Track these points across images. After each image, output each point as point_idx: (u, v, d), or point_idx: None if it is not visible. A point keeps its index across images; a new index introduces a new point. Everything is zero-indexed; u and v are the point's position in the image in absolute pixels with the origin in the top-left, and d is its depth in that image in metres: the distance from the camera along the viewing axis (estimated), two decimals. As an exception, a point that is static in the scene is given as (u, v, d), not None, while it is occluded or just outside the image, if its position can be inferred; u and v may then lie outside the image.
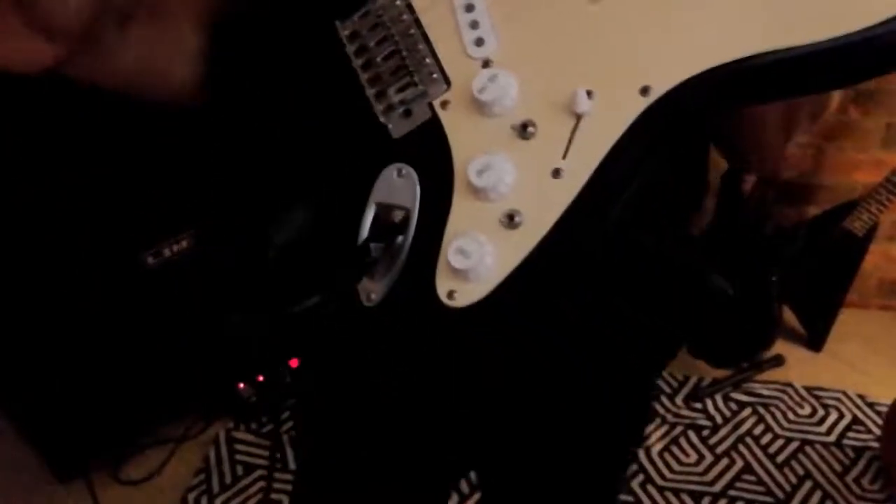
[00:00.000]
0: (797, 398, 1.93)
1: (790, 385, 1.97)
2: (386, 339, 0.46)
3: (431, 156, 0.42)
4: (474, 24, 0.42)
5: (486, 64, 0.42)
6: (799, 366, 2.03)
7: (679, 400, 1.91)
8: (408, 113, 0.44)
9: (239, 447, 1.73)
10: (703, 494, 1.66)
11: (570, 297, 0.49)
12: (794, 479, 1.70)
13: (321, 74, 0.46)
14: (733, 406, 1.90)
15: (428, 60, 0.43)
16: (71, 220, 1.36)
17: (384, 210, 0.43)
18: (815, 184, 2.08)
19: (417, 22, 0.44)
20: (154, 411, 1.71)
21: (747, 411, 1.89)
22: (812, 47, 0.32)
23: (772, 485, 1.69)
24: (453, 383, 0.55)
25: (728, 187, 1.86)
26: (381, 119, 0.45)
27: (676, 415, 1.87)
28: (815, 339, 2.08)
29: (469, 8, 0.42)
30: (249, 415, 1.79)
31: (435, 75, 0.43)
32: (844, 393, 1.94)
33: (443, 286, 0.40)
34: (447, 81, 0.43)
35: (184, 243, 1.56)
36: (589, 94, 0.38)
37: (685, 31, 0.37)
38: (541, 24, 0.41)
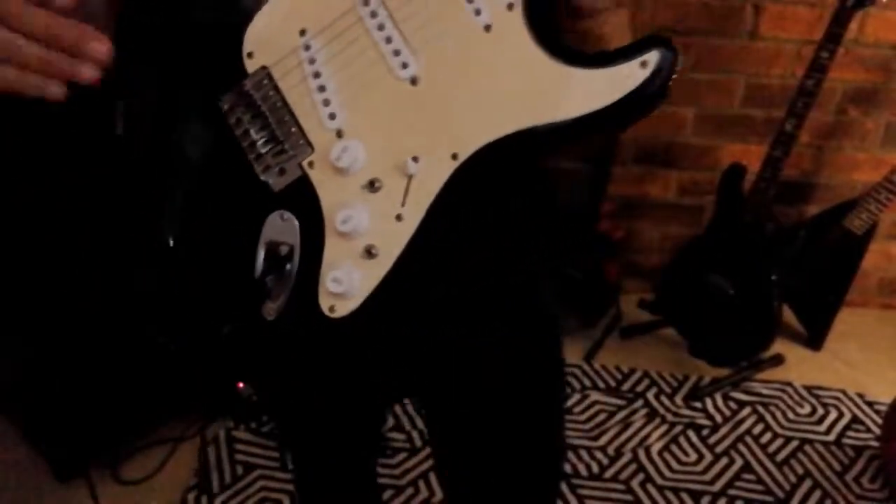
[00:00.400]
0: (797, 397, 1.93)
1: (790, 384, 1.97)
2: (287, 345, 0.58)
3: (306, 204, 0.55)
4: (326, 102, 0.54)
5: (339, 133, 0.54)
6: (798, 365, 2.04)
7: (678, 399, 1.91)
8: (282, 171, 0.55)
9: (238, 447, 1.73)
10: (702, 493, 1.66)
11: (422, 300, 0.66)
12: (793, 479, 1.71)
13: (208, 140, 0.57)
14: (733, 405, 1.90)
15: (294, 130, 0.55)
16: (71, 221, 1.37)
17: (273, 246, 0.55)
18: (814, 183, 2.09)
19: (283, 99, 0.55)
20: (154, 411, 1.71)
21: (747, 410, 1.89)
22: (561, 122, 0.49)
23: (771, 484, 1.69)
24: (348, 370, 0.74)
25: (728, 186, 1.86)
26: (262, 177, 0.56)
27: (676, 414, 1.87)
28: (814, 339, 2.08)
29: (321, 89, 0.54)
30: (249, 415, 1.79)
31: (301, 141, 0.55)
32: (844, 392, 1.95)
33: (324, 303, 0.54)
34: (311, 146, 0.54)
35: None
36: (416, 159, 0.52)
37: (480, 112, 0.50)
38: (378, 102, 0.53)
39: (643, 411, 1.88)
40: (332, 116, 0.54)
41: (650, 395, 1.92)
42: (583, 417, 1.84)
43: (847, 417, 1.87)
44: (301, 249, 0.55)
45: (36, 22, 0.46)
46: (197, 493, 1.62)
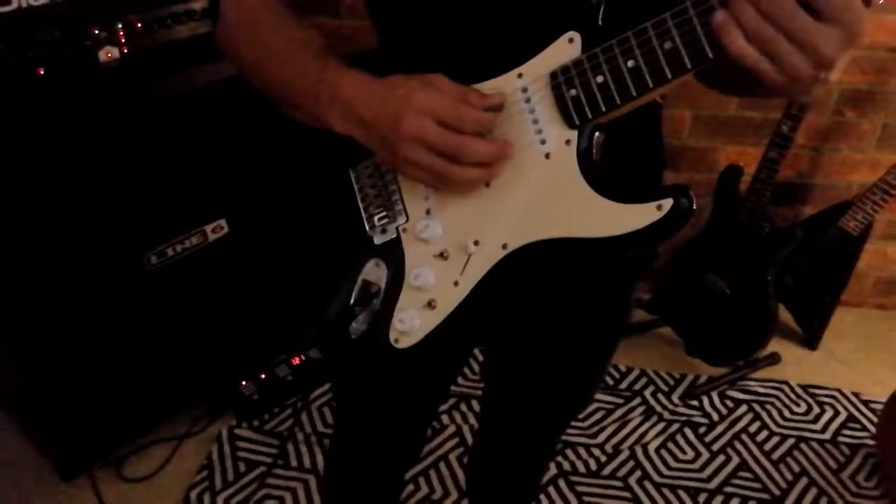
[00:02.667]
0: (793, 396, 1.95)
1: (786, 383, 1.99)
2: (361, 359, 0.79)
3: (395, 258, 0.72)
4: (425, 186, 0.69)
5: (428, 211, 0.70)
6: (795, 364, 2.05)
7: (675, 397, 1.93)
8: (384, 231, 0.73)
9: (241, 444, 1.74)
10: (699, 491, 1.68)
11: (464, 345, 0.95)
12: (789, 476, 1.72)
13: (335, 202, 0.77)
14: (729, 404, 1.92)
15: (397, 201, 0.71)
16: (75, 220, 1.38)
17: (367, 283, 0.74)
18: (811, 184, 2.10)
19: (395, 177, 0.71)
20: (156, 409, 1.72)
21: (743, 409, 1.91)
22: (588, 238, 0.63)
23: (767, 481, 1.71)
24: (406, 384, 0.92)
25: (725, 187, 1.88)
26: (369, 232, 0.74)
27: (673, 412, 1.89)
28: (810, 338, 2.09)
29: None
30: (251, 412, 1.81)
31: (400, 211, 0.71)
32: (840, 391, 1.96)
33: (392, 335, 0.73)
34: (407, 217, 0.71)
35: (187, 243, 1.57)
36: (476, 242, 0.67)
37: (530, 217, 0.65)
38: (460, 195, 0.68)
39: (640, 409, 1.89)
40: (427, 198, 0.70)
41: (647, 394, 1.94)
42: (581, 415, 1.85)
43: (843, 416, 1.89)
44: (384, 291, 0.73)
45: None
46: (200, 490, 1.64)
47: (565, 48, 0.61)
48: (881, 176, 1.74)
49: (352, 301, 0.74)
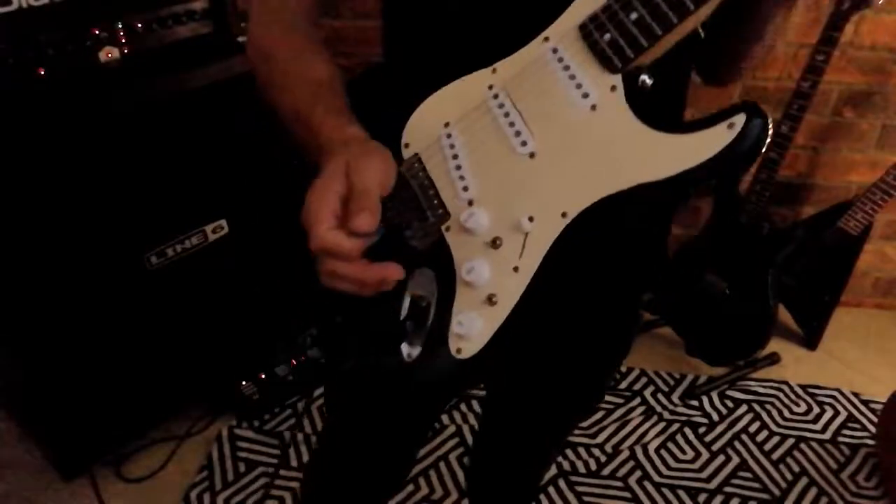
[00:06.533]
0: (793, 396, 1.95)
1: (786, 383, 1.99)
2: (418, 380, 0.69)
3: (442, 262, 0.65)
4: (462, 178, 0.65)
5: (470, 202, 0.64)
6: (794, 364, 2.06)
7: (675, 397, 1.93)
8: (426, 235, 0.67)
9: (241, 444, 1.75)
10: (699, 491, 1.68)
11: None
12: (789, 476, 1.73)
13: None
14: (729, 404, 1.92)
15: (436, 202, 0.66)
16: (75, 220, 1.38)
17: (416, 299, 0.67)
18: (810, 184, 2.10)
19: (429, 178, 0.66)
20: (157, 409, 1.72)
21: (743, 409, 1.91)
22: (657, 182, 0.57)
23: (767, 481, 1.71)
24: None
25: (725, 187, 1.88)
26: (411, 242, 0.67)
27: (673, 412, 1.89)
28: (810, 338, 2.10)
29: (458, 168, 0.65)
30: (252, 412, 1.81)
31: (440, 211, 0.66)
32: (839, 391, 1.97)
33: (453, 345, 0.64)
34: (448, 214, 0.65)
35: (187, 243, 1.57)
36: (531, 219, 0.61)
37: (587, 177, 0.60)
38: (502, 175, 0.63)
39: (640, 409, 1.89)
40: (466, 189, 0.64)
41: (647, 394, 1.94)
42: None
43: (842, 416, 1.89)
44: (437, 301, 0.66)
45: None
46: (200, 490, 1.64)
47: (587, 1, 0.59)
48: (881, 176, 1.74)
49: (402, 317, 0.67)
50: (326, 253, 0.58)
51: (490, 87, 0.64)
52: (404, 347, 0.67)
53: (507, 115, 0.62)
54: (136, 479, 1.66)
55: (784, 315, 2.05)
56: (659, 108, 0.59)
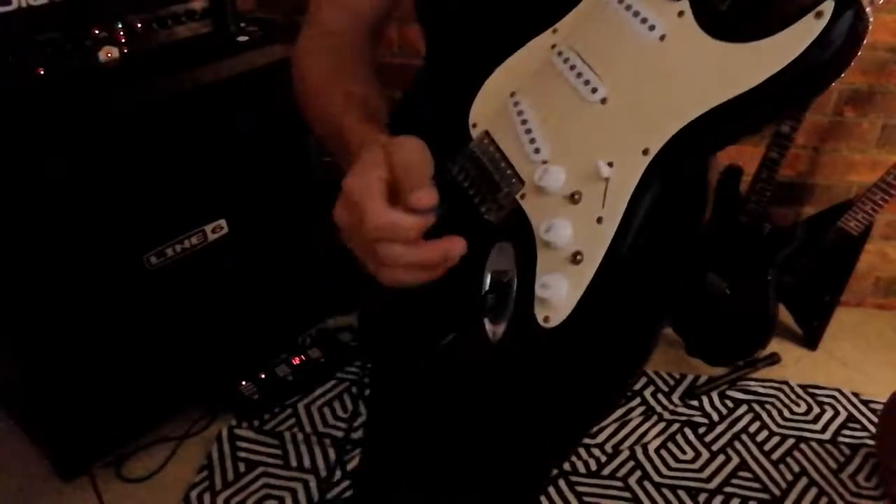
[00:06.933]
0: (793, 396, 1.95)
1: (786, 383, 1.99)
2: (504, 360, 0.63)
3: (519, 230, 0.61)
4: (532, 141, 0.62)
5: (544, 163, 0.61)
6: (794, 364, 2.05)
7: (675, 397, 1.93)
8: (500, 207, 0.64)
9: (241, 444, 1.75)
10: (699, 491, 1.68)
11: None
12: (789, 476, 1.72)
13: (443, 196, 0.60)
14: (729, 404, 1.92)
15: (508, 172, 0.63)
16: (75, 220, 1.38)
17: (496, 274, 0.63)
18: (811, 184, 2.10)
19: (500, 150, 0.64)
20: (157, 409, 1.73)
21: (743, 409, 1.91)
22: (742, 94, 0.51)
23: (767, 481, 1.71)
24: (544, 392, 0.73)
25: (725, 187, 1.88)
26: (485, 216, 0.64)
27: (673, 412, 1.89)
28: (810, 338, 2.09)
29: (528, 132, 0.63)
30: (251, 412, 1.81)
31: (514, 180, 0.63)
32: (839, 391, 1.97)
33: (539, 314, 0.58)
34: (522, 181, 0.62)
35: (186, 243, 1.57)
36: (610, 164, 0.57)
37: (666, 109, 0.55)
38: (575, 127, 0.60)
39: (640, 409, 1.89)
40: (538, 151, 0.61)
41: (647, 394, 1.94)
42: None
43: (842, 416, 1.89)
44: (518, 274, 0.61)
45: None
46: (200, 490, 1.64)
47: None
48: (881, 176, 1.74)
49: (484, 294, 0.63)
50: (384, 235, 0.52)
51: (553, 47, 0.63)
52: (488, 326, 0.62)
53: (572, 67, 0.60)
54: (137, 479, 1.66)
55: (784, 315, 2.05)
56: (734, 19, 0.54)
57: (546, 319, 0.58)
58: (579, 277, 0.57)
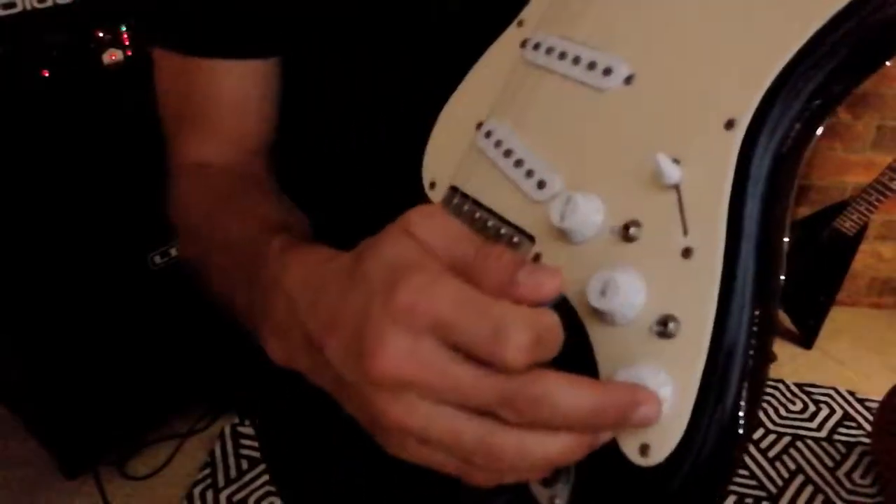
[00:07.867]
0: (789, 395, 1.96)
1: (782, 381, 2.00)
2: None
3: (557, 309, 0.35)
4: (529, 174, 0.39)
5: (568, 199, 0.37)
6: (790, 363, 2.07)
7: (673, 396, 1.94)
8: None
9: (244, 442, 1.76)
10: (696, 488, 1.69)
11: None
12: (785, 474, 1.74)
13: None
14: (726, 402, 1.93)
15: (504, 231, 0.39)
16: (79, 220, 1.39)
17: None
18: (806, 184, 2.11)
19: (482, 206, 0.41)
20: (160, 407, 1.74)
21: (740, 407, 1.92)
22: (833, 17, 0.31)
23: (764, 479, 1.72)
24: None
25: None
26: None
27: (671, 411, 1.90)
28: (806, 337, 2.11)
29: (518, 163, 0.40)
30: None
31: (516, 239, 0.39)
32: (835, 389, 1.98)
33: (629, 445, 0.32)
34: (531, 238, 0.38)
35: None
36: (675, 161, 0.34)
37: (746, 49, 0.34)
38: (592, 134, 0.38)
39: (639, 408, 1.90)
40: (542, 184, 0.39)
41: (646, 392, 1.95)
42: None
43: (838, 414, 1.91)
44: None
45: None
46: (203, 487, 1.65)
47: None
48: (876, 177, 1.76)
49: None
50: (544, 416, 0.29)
51: (524, 43, 0.43)
52: (536, 490, 0.35)
53: (562, 55, 0.41)
54: (140, 476, 1.67)
55: (780, 314, 2.06)
56: None
57: (644, 451, 0.31)
58: (685, 360, 0.32)
